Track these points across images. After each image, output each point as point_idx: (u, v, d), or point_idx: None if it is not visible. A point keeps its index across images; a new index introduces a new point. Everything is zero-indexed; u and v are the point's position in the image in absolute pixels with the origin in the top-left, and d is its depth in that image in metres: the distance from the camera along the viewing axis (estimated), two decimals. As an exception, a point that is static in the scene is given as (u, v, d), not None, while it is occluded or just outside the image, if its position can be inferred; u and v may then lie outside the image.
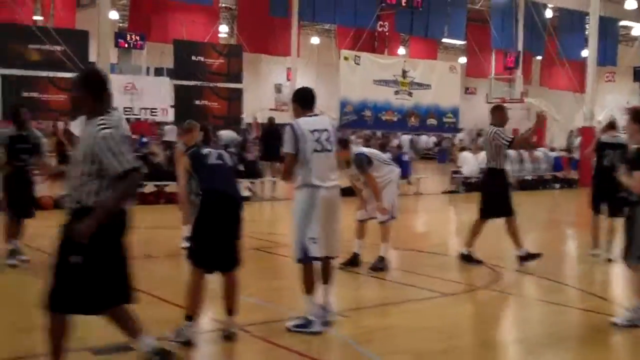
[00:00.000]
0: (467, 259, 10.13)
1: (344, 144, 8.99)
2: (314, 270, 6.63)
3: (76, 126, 10.06)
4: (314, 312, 6.58)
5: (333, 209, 6.65)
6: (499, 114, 10.28)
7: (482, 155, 23.31)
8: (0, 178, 9.82)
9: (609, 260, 10.54)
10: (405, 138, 28.11)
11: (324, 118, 6.91)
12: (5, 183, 9.68)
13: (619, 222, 9.79)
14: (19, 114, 9.75)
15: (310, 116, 6.70)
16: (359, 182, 9.55)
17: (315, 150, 6.52)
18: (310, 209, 6.50)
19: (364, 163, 9.20)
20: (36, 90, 22.43)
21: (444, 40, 41.21)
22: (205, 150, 6.53)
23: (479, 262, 10.09)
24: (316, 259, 6.59)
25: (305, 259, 6.55)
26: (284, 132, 6.66)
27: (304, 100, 6.79)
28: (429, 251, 11.56)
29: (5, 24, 24.08)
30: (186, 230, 9.98)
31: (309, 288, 6.61)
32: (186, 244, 9.73)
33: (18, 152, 9.58)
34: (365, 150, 10.07)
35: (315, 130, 6.54)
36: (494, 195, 10.19)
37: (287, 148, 6.55)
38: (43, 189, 15.89)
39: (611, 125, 11.48)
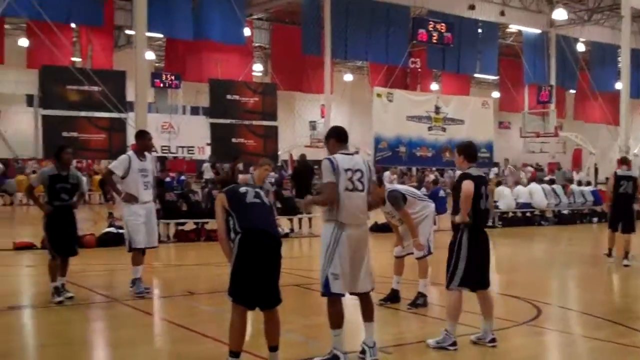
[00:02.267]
0: None
1: (377, 181, 9.05)
2: (344, 305, 6.68)
3: (117, 167, 10.24)
4: (341, 347, 6.61)
5: (359, 245, 6.69)
6: None
7: (519, 189, 23.37)
8: (42, 217, 10.02)
9: (625, 267, 13.81)
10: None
11: (358, 158, 6.94)
12: (47, 223, 9.83)
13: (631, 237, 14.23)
14: (61, 153, 9.94)
15: (346, 154, 6.79)
16: (395, 219, 9.57)
17: (347, 189, 6.61)
18: (335, 245, 6.56)
19: (398, 200, 9.23)
20: (75, 130, 22.82)
21: (477, 75, 41.30)
22: (243, 189, 6.59)
23: None
24: (338, 295, 6.63)
25: (327, 294, 6.62)
26: (320, 166, 6.77)
27: (339, 135, 6.92)
28: (467, 287, 11.48)
29: (45, 66, 24.62)
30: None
31: (333, 322, 6.63)
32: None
33: (58, 192, 9.77)
34: (399, 187, 10.11)
35: (349, 170, 6.65)
36: None
37: (327, 178, 6.62)
38: (86, 227, 16.26)
39: (623, 161, 15.30)
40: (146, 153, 10.46)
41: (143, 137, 10.62)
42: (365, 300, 6.88)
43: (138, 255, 10.21)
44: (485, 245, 7.55)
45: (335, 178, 6.57)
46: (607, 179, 26.51)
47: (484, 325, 7.57)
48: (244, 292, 6.19)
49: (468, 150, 7.70)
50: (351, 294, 6.81)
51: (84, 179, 10.80)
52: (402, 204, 9.21)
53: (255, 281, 6.18)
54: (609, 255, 14.49)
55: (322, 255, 6.64)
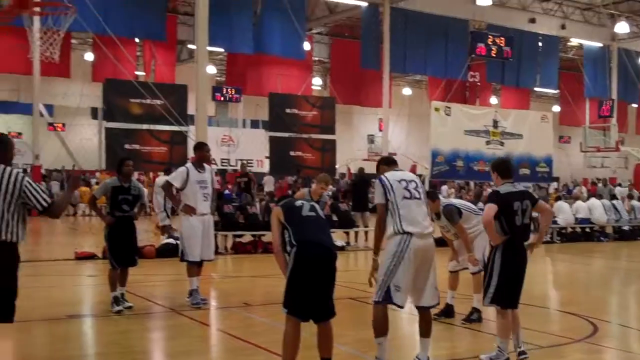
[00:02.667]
0: None
1: (432, 195, 9.10)
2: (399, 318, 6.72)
3: (175, 178, 10.44)
4: (384, 356, 6.63)
5: (425, 259, 6.69)
6: None
7: (578, 204, 23.02)
8: (103, 228, 10.28)
9: None
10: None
11: (408, 172, 7.25)
12: (108, 233, 10.06)
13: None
14: (122, 166, 10.16)
15: (396, 170, 7.00)
16: (450, 233, 9.58)
17: (405, 197, 6.71)
18: (400, 257, 6.58)
19: (453, 214, 9.25)
20: (138, 142, 23.37)
21: (537, 89, 40.91)
22: (299, 203, 6.72)
23: None
24: (398, 305, 6.65)
25: (387, 302, 6.62)
26: (374, 183, 6.93)
27: (388, 161, 7.29)
28: (525, 302, 11.37)
29: (109, 79, 25.20)
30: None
31: (379, 330, 6.67)
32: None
33: (120, 203, 9.99)
34: (455, 201, 10.12)
35: (402, 180, 6.80)
36: None
37: (377, 199, 6.80)
38: (146, 238, 16.56)
39: None
40: (205, 165, 10.63)
41: (201, 149, 10.81)
42: (425, 315, 6.90)
43: (192, 267, 10.35)
44: (520, 263, 7.37)
45: (386, 197, 6.69)
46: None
47: (513, 339, 7.45)
48: (299, 304, 6.27)
49: (501, 167, 7.63)
50: (416, 307, 6.86)
51: (145, 190, 11.03)
52: (458, 218, 9.23)
53: (310, 294, 6.25)
54: None
55: (384, 265, 6.64)
